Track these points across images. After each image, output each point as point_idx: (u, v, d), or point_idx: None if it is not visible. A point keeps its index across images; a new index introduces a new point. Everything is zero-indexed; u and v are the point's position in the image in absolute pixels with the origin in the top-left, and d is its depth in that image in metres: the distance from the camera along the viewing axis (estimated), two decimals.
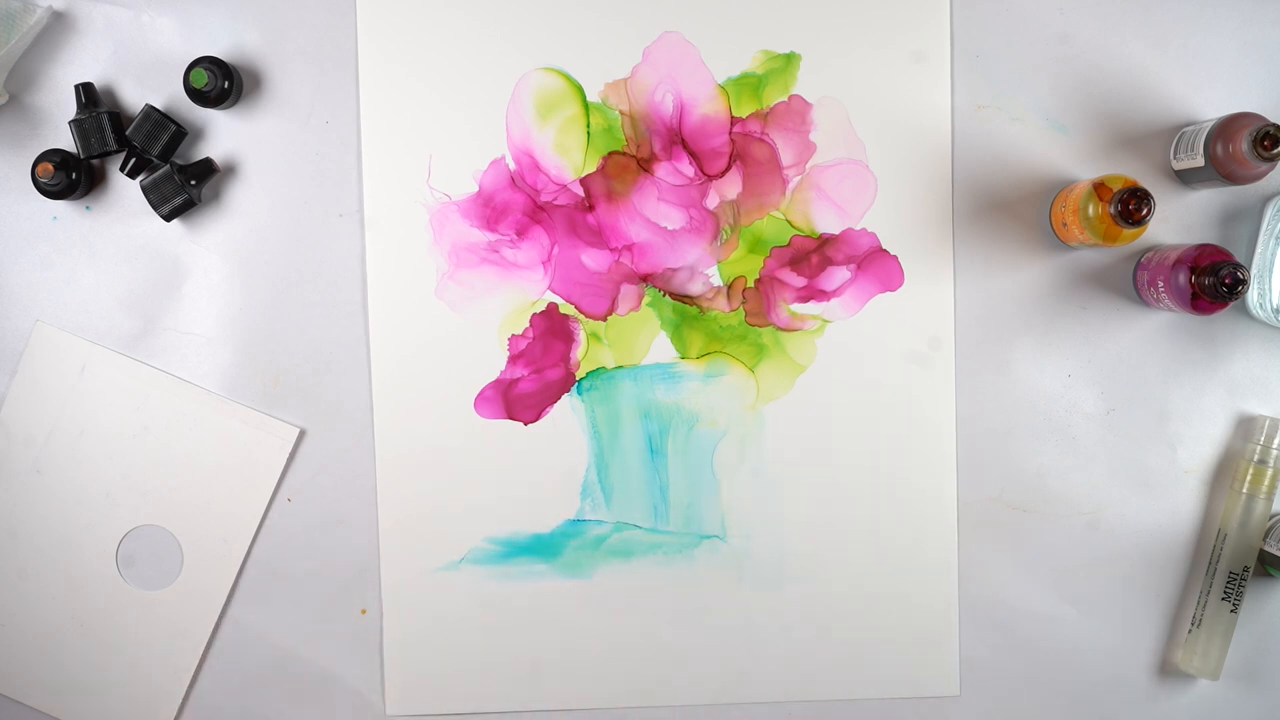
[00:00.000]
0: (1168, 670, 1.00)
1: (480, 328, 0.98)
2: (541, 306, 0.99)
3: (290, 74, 0.98)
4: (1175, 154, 0.96)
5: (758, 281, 0.99)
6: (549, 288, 0.99)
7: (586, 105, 0.98)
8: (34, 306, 0.99)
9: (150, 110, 0.96)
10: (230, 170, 0.98)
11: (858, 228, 0.98)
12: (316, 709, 1.00)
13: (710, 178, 0.98)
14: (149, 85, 0.98)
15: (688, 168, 0.98)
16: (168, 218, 0.96)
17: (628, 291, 0.99)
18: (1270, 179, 0.96)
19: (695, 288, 0.99)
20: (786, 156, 0.98)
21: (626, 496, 0.99)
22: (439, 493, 0.99)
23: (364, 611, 0.99)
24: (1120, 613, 0.99)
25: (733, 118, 0.98)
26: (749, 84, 0.98)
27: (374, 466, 0.99)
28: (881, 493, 0.99)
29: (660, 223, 0.98)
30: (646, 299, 0.99)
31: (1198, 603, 0.98)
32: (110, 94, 0.98)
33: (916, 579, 0.99)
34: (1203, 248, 0.91)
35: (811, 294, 0.99)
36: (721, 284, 0.99)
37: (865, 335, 0.98)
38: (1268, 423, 0.97)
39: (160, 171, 0.95)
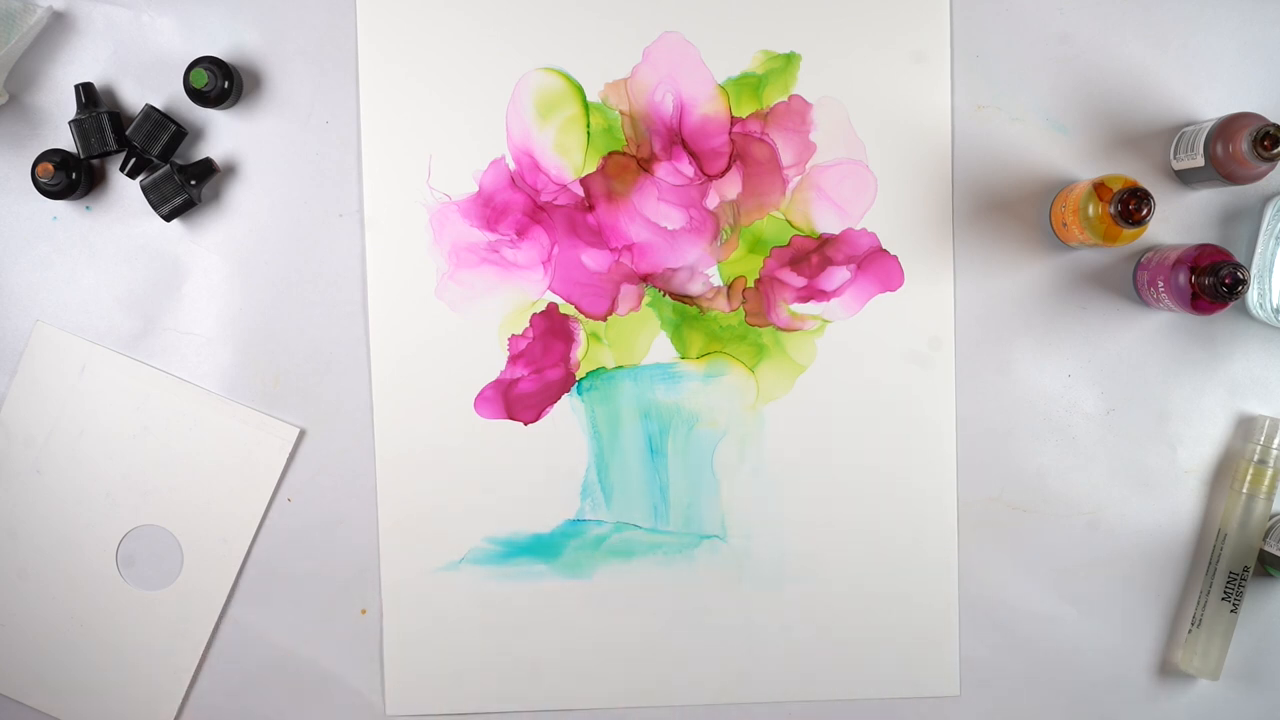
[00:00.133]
0: (1168, 670, 1.00)
1: (480, 328, 0.98)
2: (541, 306, 0.99)
3: (290, 74, 0.98)
4: (1175, 154, 0.96)
5: (758, 281, 0.99)
6: (549, 288, 0.99)
7: (586, 105, 0.98)
8: (34, 306, 0.99)
9: (150, 110, 0.96)
10: (230, 170, 0.98)
11: (858, 228, 0.98)
12: (316, 709, 1.00)
13: (710, 178, 0.98)
14: (149, 85, 0.98)
15: (688, 168, 0.98)
16: (168, 218, 0.96)
17: (628, 291, 0.99)
18: (1270, 179, 0.96)
19: (695, 288, 0.99)
20: (786, 156, 0.98)
21: (626, 496, 0.99)
22: (439, 493, 0.99)
23: (364, 611, 0.99)
24: (1120, 613, 0.99)
25: (733, 118, 0.98)
26: (749, 84, 0.98)
27: (374, 466, 0.99)
28: (881, 493, 0.99)
29: (660, 223, 0.98)
30: (646, 299, 0.99)
31: (1198, 603, 0.98)
32: (110, 94, 0.98)
33: (916, 579, 0.99)
34: (1203, 248, 0.91)
35: (811, 294, 0.99)
36: (721, 284, 0.99)
37: (865, 335, 0.98)
38: (1268, 423, 0.97)
39: (160, 171, 0.95)
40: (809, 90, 0.98)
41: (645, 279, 0.99)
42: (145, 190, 0.96)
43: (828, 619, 0.99)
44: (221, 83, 0.95)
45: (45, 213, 0.98)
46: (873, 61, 0.98)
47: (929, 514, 0.99)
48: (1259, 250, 0.95)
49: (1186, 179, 0.96)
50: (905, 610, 0.99)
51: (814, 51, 0.98)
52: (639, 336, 0.99)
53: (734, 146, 0.98)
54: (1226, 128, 0.89)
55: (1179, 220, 0.98)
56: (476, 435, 0.99)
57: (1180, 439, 0.99)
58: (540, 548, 0.99)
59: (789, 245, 0.98)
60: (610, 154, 0.98)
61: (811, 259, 0.98)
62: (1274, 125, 0.86)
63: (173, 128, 0.96)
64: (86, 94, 0.96)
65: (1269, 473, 0.96)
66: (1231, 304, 0.90)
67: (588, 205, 0.98)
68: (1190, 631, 0.98)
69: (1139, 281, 0.97)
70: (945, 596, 0.99)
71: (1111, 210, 0.88)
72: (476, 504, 0.99)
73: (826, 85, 0.98)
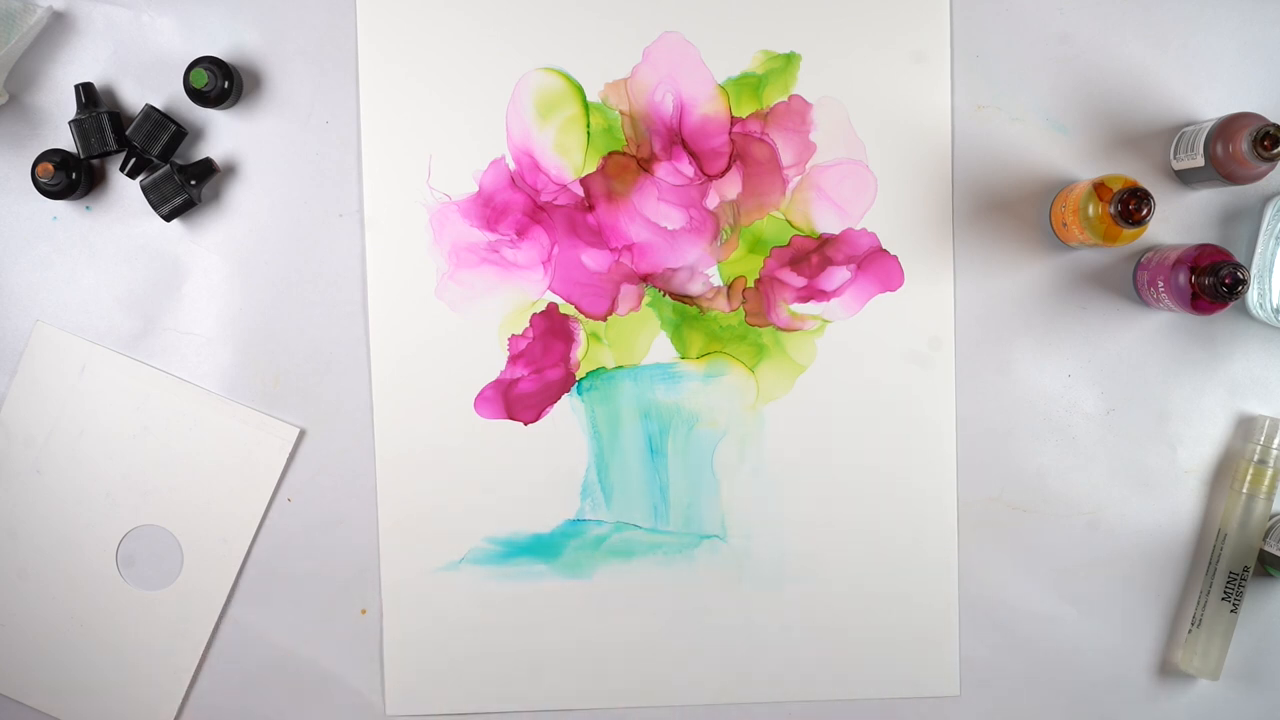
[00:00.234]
0: (1168, 670, 1.00)
1: (480, 328, 0.98)
2: (541, 306, 0.99)
3: (290, 74, 0.98)
4: (1175, 154, 0.96)
5: (758, 281, 0.99)
6: (549, 288, 0.99)
7: (586, 105, 0.98)
8: (34, 306, 0.99)
9: (150, 110, 0.96)
10: (230, 170, 0.98)
11: (858, 228, 0.98)
12: (316, 709, 1.00)
13: (710, 178, 0.98)
14: (149, 85, 0.98)
15: (688, 168, 0.98)
16: (168, 218, 0.96)
17: (628, 291, 0.99)
18: (1270, 179, 0.96)
19: (695, 288, 0.99)
20: (786, 156, 0.98)
21: (626, 496, 0.99)
22: (439, 493, 0.99)
23: (364, 611, 0.99)
24: (1120, 613, 0.99)
25: (733, 118, 0.98)
26: (749, 84, 0.98)
27: (374, 466, 0.99)
28: (881, 493, 0.99)
29: (660, 223, 0.98)
30: (646, 299, 0.99)
31: (1198, 603, 0.98)
32: (110, 94, 0.98)
33: (916, 579, 0.99)
34: (1203, 248, 0.91)
35: (811, 294, 0.99)
36: (721, 284, 0.99)
37: (865, 335, 0.98)
38: (1268, 423, 0.97)
39: (160, 171, 0.95)
40: (809, 90, 0.98)
41: (645, 279, 0.99)
42: (145, 190, 0.96)
43: (828, 619, 0.99)
44: (221, 83, 0.95)
45: (45, 213, 0.98)
46: (873, 61, 0.98)
47: (929, 514, 0.99)
48: (1259, 250, 0.95)
49: (1186, 179, 0.96)
50: (905, 610, 0.99)
51: (814, 51, 0.98)
52: (639, 336, 0.99)
53: (734, 146, 0.98)
54: (1226, 128, 0.89)
55: (1179, 220, 0.98)
56: (476, 435, 0.99)
57: (1180, 439, 0.99)
58: (540, 548, 0.99)
59: (789, 245, 0.98)
60: (610, 154, 0.98)
61: (811, 259, 0.98)
62: (1274, 125, 0.86)
63: (173, 128, 0.96)
64: (86, 94, 0.96)
65: (1269, 473, 0.96)
66: (1231, 304, 0.90)
67: (588, 205, 0.98)
68: (1190, 631, 0.98)
69: (1139, 281, 0.97)
70: (945, 596, 0.99)
71: (1111, 210, 0.88)
72: (476, 504, 0.99)
73: (826, 85, 0.98)
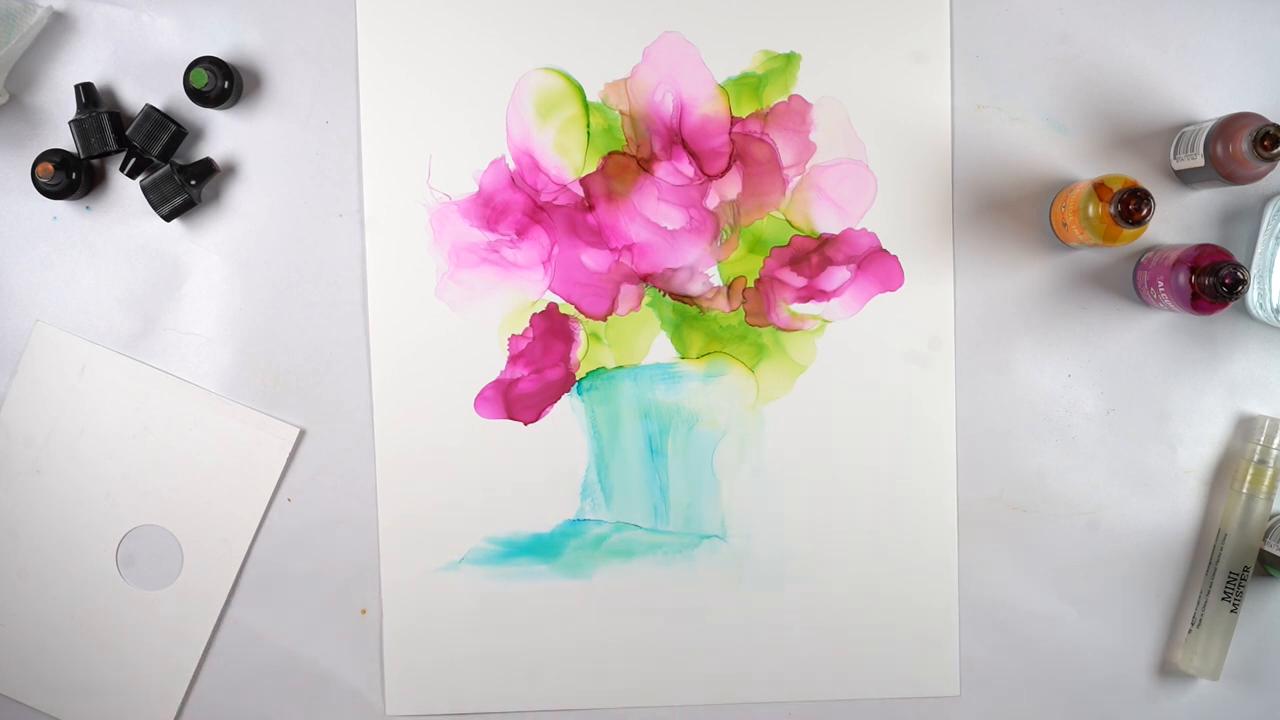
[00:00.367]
0: (1168, 670, 1.00)
1: (480, 328, 0.98)
2: (541, 306, 0.99)
3: (290, 74, 0.98)
4: (1175, 154, 0.96)
5: (758, 281, 0.99)
6: (549, 288, 0.99)
7: (586, 105, 0.98)
8: (34, 306, 0.99)
9: (150, 110, 0.96)
10: (230, 170, 0.98)
11: (858, 228, 0.98)
12: (316, 709, 1.00)
13: (710, 178, 0.98)
14: (149, 85, 0.98)
15: (688, 168, 0.98)
16: (168, 218, 0.96)
17: (628, 291, 0.99)
18: (1270, 179, 0.96)
19: (695, 288, 0.99)
20: (786, 156, 0.98)
21: (626, 496, 0.99)
22: (439, 493, 0.99)
23: (364, 611, 0.99)
24: (1120, 613, 0.99)
25: (733, 118, 0.98)
26: (749, 84, 0.98)
27: (374, 466, 0.99)
28: (881, 493, 0.99)
29: (660, 223, 0.98)
30: (646, 299, 0.99)
31: (1198, 603, 0.98)
32: (110, 94, 0.98)
33: (916, 579, 0.99)
34: (1203, 248, 0.91)
35: (811, 294, 0.99)
36: (721, 284, 0.99)
37: (865, 335, 0.98)
38: (1268, 423, 0.97)
39: (160, 171, 0.95)
40: (809, 90, 0.98)
41: (645, 279, 0.99)
42: (145, 190, 0.96)
43: (828, 619, 0.99)
44: (221, 83, 0.95)
45: (45, 213, 0.98)
46: (873, 61, 0.98)
47: (929, 514, 0.99)
48: (1259, 250, 0.95)
49: (1186, 179, 0.96)
50: (905, 610, 0.99)
51: (814, 51, 0.98)
52: (639, 336, 0.99)
53: (734, 146, 0.98)
54: (1226, 128, 0.89)
55: (1179, 220, 0.98)
56: (476, 435, 0.99)
57: (1180, 439, 0.99)
58: (540, 548, 0.99)
59: (789, 245, 0.98)
60: (610, 154, 0.98)
61: (811, 259, 0.98)
62: (1274, 125, 0.86)
63: (173, 128, 0.96)
64: (86, 94, 0.96)
65: (1269, 473, 0.96)
66: (1231, 304, 0.90)
67: (588, 205, 0.98)
68: (1190, 631, 0.98)
69: (1139, 281, 0.97)
70: (945, 596, 0.99)
71: (1111, 210, 0.88)
72: (476, 504, 0.99)
73: (826, 85, 0.98)
